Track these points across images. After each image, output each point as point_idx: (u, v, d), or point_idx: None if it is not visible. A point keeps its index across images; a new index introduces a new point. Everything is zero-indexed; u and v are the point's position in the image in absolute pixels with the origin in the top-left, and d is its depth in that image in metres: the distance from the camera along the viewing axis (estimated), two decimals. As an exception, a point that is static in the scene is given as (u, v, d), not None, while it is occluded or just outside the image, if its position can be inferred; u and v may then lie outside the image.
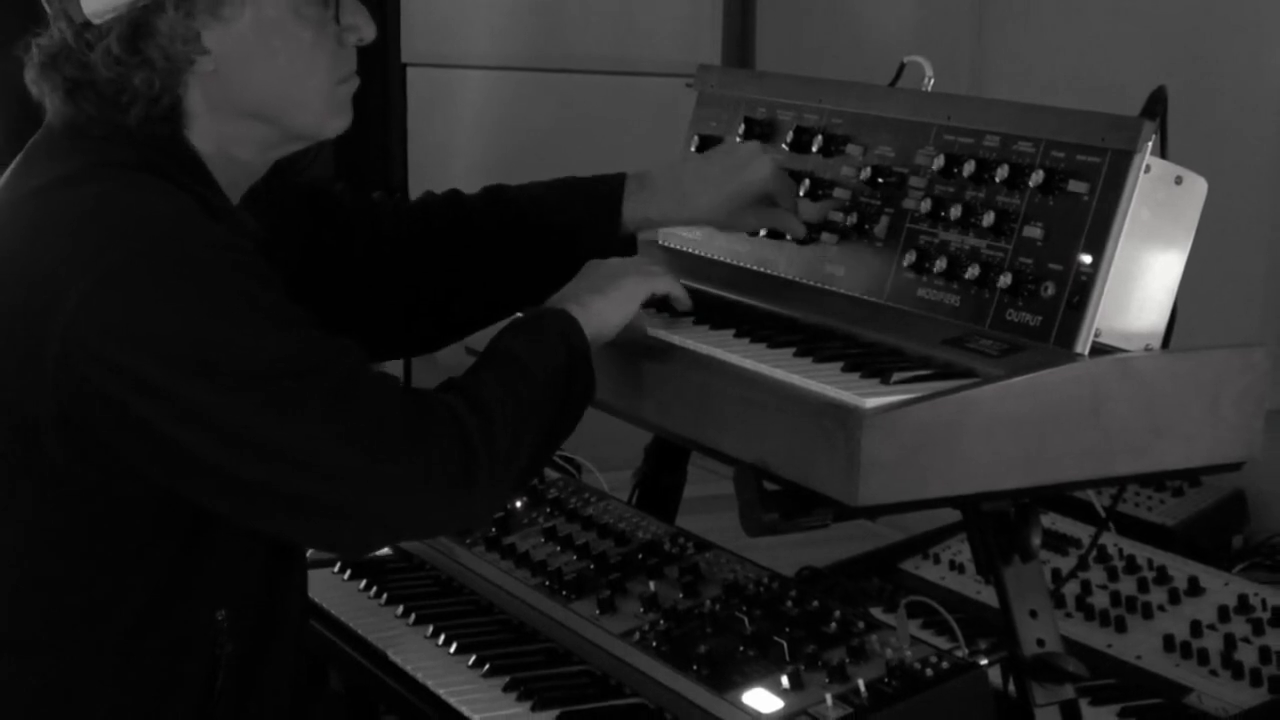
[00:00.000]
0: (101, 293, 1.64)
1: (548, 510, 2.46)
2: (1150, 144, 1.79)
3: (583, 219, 2.12)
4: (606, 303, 1.92)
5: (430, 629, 2.21)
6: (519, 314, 1.93)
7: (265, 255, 1.78)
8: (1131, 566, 2.48)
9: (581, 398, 1.86)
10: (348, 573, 2.41)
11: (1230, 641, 2.26)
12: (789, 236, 2.12)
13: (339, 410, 1.67)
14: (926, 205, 1.98)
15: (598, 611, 2.15)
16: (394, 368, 3.61)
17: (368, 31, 1.85)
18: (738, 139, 2.24)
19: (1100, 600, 2.41)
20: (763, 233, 2.19)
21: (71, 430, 1.67)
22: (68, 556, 1.75)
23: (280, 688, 1.89)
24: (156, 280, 1.65)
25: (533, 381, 1.80)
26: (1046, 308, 1.82)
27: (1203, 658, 2.24)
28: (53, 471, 1.70)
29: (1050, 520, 2.58)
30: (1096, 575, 2.47)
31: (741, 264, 2.22)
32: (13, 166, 1.82)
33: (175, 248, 1.67)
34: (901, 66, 2.11)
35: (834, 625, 2.00)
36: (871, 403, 1.70)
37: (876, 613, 2.15)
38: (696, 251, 2.26)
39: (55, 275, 1.66)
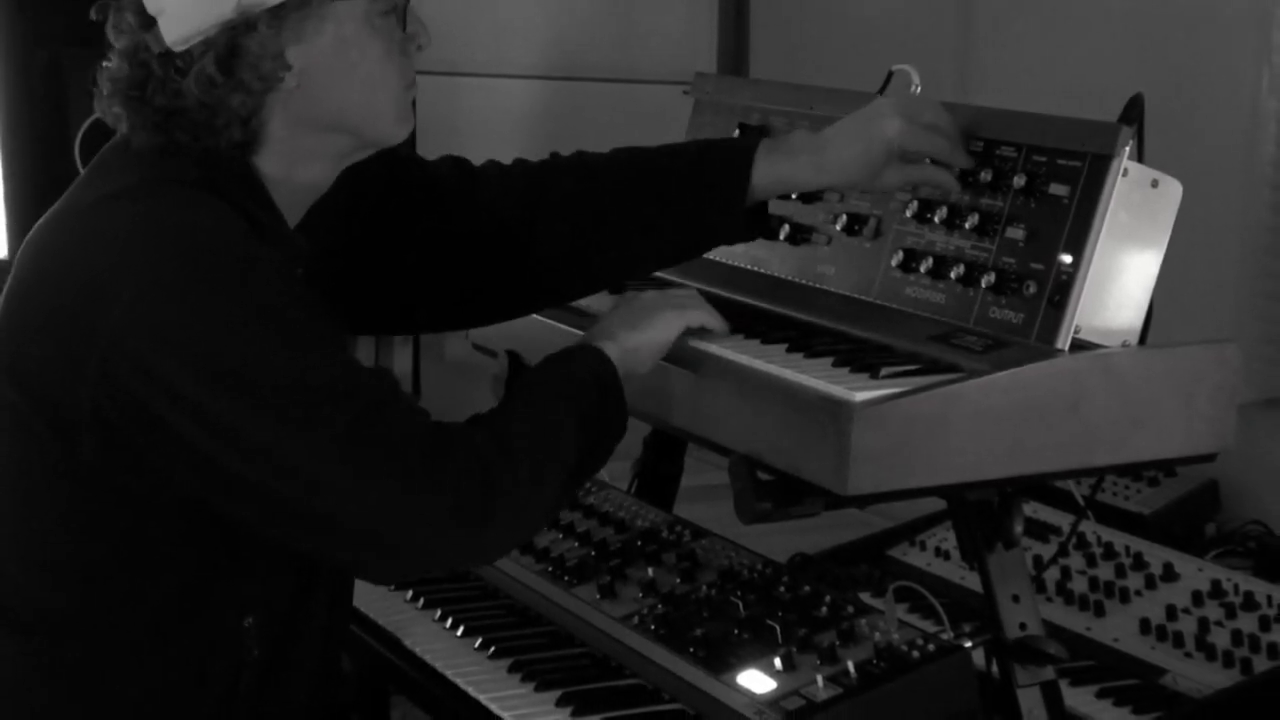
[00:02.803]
0: (143, 303, 1.65)
1: (550, 499, 2.49)
2: (1128, 149, 1.83)
3: (712, 174, 2.00)
4: (641, 338, 1.89)
5: (438, 613, 2.24)
6: (549, 354, 1.87)
7: (315, 277, 1.79)
8: (1109, 553, 2.51)
9: (612, 437, 1.84)
10: (357, 560, 2.43)
11: (1204, 625, 2.29)
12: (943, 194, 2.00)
13: (361, 436, 1.66)
14: (914, 207, 2.02)
15: (598, 596, 2.17)
16: (400, 367, 3.64)
17: (426, 38, 1.86)
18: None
19: (1079, 585, 2.44)
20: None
21: (107, 433, 1.68)
22: (98, 552, 1.76)
23: (301, 687, 1.89)
24: (195, 294, 1.66)
25: (561, 420, 1.77)
26: (1028, 306, 1.85)
27: (1177, 640, 2.27)
28: (88, 471, 1.71)
29: (1032, 509, 2.60)
30: (1076, 561, 2.50)
31: (736, 263, 2.24)
32: (80, 178, 1.83)
33: (217, 264, 1.68)
34: (890, 74, 2.12)
35: (825, 609, 2.02)
36: (861, 396, 1.72)
37: (865, 598, 2.17)
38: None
39: (102, 283, 1.67)
